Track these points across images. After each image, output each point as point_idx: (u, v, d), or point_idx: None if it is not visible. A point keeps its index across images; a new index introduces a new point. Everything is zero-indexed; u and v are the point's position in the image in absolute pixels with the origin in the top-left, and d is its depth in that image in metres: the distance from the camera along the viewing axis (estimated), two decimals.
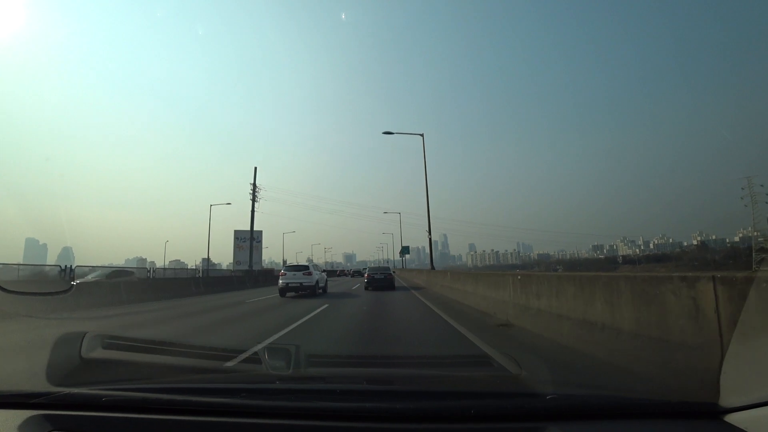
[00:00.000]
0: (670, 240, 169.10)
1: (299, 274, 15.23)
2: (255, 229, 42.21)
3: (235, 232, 45.51)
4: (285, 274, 15.45)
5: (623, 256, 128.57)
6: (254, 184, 37.63)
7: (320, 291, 15.94)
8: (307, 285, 14.95)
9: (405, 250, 47.10)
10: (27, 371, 3.35)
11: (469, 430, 1.28)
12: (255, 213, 38.15)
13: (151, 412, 1.37)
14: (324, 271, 20.62)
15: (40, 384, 1.94)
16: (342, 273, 64.30)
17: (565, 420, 1.28)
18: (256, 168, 39.11)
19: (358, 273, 54.41)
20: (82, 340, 2.65)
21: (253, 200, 37.53)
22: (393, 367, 3.53)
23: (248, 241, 43.34)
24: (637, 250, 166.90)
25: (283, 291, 14.81)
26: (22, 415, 1.37)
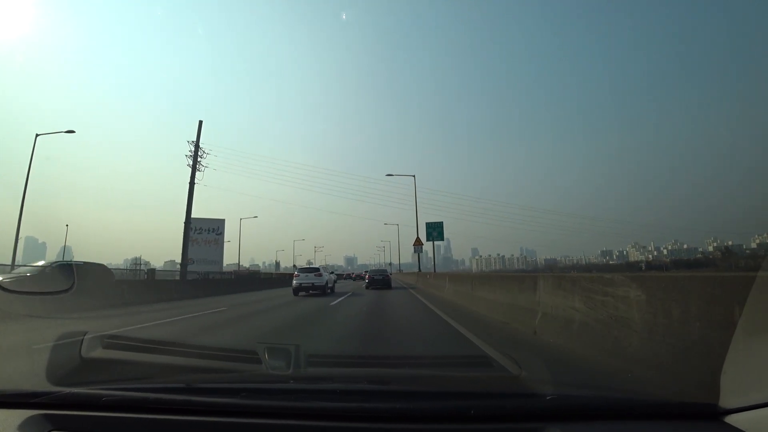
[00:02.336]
0: (684, 246, 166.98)
1: (311, 275, 16.91)
2: (215, 217, 34.53)
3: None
4: (298, 275, 17.03)
5: (647, 262, 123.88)
6: (197, 144, 24.62)
7: (329, 291, 17.35)
8: (318, 285, 16.42)
9: (433, 233, 23.94)
10: (27, 371, 3.35)
11: (469, 431, 1.28)
12: (205, 187, 28.84)
13: (151, 411, 1.37)
14: (332, 272, 23.10)
15: (40, 383, 1.94)
16: (348, 276, 62.86)
17: (564, 421, 1.28)
18: (201, 122, 25.73)
19: (360, 277, 51.26)
20: (83, 340, 2.66)
21: (194, 166, 24.10)
22: (393, 367, 3.54)
23: (205, 232, 34.21)
24: (650, 256, 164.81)
25: (296, 290, 16.22)
26: (22, 414, 1.37)
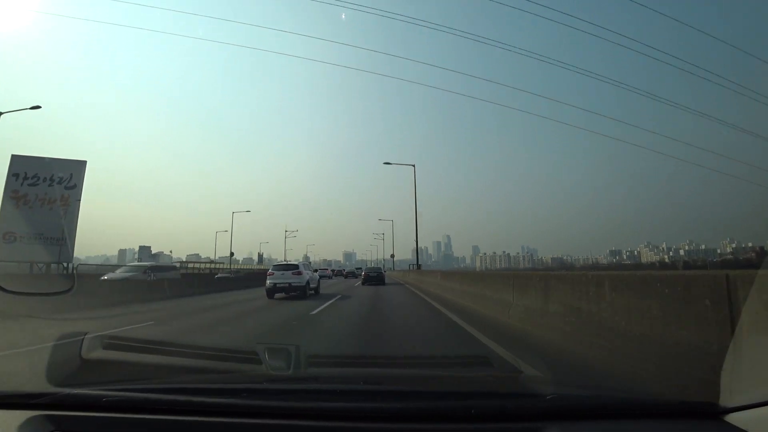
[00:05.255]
0: (702, 246, 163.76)
1: (288, 273, 14.05)
2: (76, 158, 20.00)
3: (13, 159, 19.33)
4: (273, 273, 14.21)
5: (685, 262, 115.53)
6: None
7: (312, 292, 14.83)
8: (296, 285, 13.84)
9: None
10: (28, 371, 3.35)
11: (469, 430, 1.29)
12: None
13: (152, 412, 1.37)
14: (316, 270, 19.99)
15: (40, 384, 1.95)
16: (339, 273, 53.01)
17: (564, 420, 1.28)
18: None
19: (352, 274, 45.99)
20: (83, 341, 2.66)
21: None
22: (393, 367, 3.54)
23: (44, 183, 19.07)
24: (665, 257, 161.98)
25: (270, 292, 13.73)
26: (22, 415, 1.37)
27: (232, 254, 48.98)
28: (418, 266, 30.45)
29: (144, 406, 1.40)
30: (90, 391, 1.52)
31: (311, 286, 14.78)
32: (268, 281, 13.97)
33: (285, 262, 16.53)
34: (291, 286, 13.77)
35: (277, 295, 13.61)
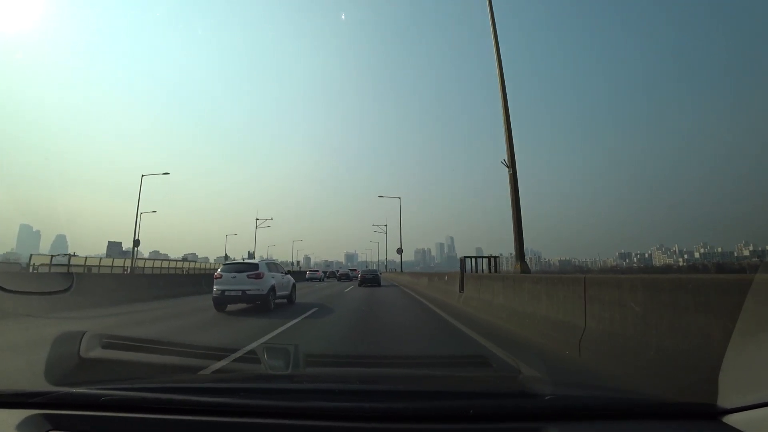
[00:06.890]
0: (718, 249, 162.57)
1: (242, 276, 9.94)
2: None
3: None
4: (221, 276, 10.04)
5: (717, 264, 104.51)
6: None
7: (283, 301, 11.22)
8: (253, 294, 9.81)
9: None
10: (26, 370, 3.34)
11: (468, 430, 1.28)
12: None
13: (150, 411, 1.36)
14: (288, 272, 13.85)
15: (39, 383, 1.94)
16: (332, 274, 47.92)
17: (563, 420, 1.28)
18: None
19: (346, 276, 40.79)
20: (81, 339, 2.66)
21: None
22: (392, 367, 3.54)
23: None
24: (680, 260, 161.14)
25: (219, 302, 9.78)
26: (20, 414, 1.37)
27: (138, 242, 34.85)
28: (496, 262, 13.92)
29: (142, 405, 1.40)
30: (88, 390, 1.51)
31: (279, 293, 10.78)
32: (215, 287, 9.91)
33: (239, 261, 12.10)
34: (246, 294, 9.80)
35: (231, 307, 9.90)
